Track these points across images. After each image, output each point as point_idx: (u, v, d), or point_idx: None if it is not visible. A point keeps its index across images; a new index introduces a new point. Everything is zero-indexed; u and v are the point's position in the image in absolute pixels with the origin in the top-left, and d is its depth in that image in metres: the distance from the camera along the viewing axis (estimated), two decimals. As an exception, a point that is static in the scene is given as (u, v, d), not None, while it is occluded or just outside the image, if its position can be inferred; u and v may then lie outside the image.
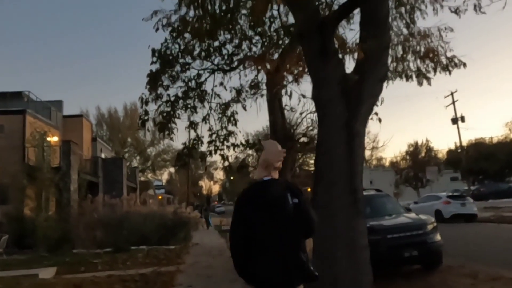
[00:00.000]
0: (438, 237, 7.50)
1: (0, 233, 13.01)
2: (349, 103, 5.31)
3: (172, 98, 10.97)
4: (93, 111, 51.38)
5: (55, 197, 17.54)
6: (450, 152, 43.49)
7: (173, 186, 66.45)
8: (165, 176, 69.78)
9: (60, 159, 17.58)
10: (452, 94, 37.70)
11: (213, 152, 11.26)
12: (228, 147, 10.71)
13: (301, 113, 8.93)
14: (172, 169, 63.18)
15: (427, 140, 40.61)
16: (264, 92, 9.93)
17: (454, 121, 38.33)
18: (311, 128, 9.04)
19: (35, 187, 15.76)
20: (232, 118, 11.29)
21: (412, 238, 7.14)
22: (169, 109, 11.04)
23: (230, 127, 11.28)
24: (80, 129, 24.10)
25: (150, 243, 14.54)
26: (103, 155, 26.85)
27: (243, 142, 9.07)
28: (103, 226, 14.22)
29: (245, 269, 2.52)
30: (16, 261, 11.55)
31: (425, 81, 7.71)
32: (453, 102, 37.84)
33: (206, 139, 11.38)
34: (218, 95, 11.44)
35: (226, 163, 10.64)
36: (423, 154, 39.54)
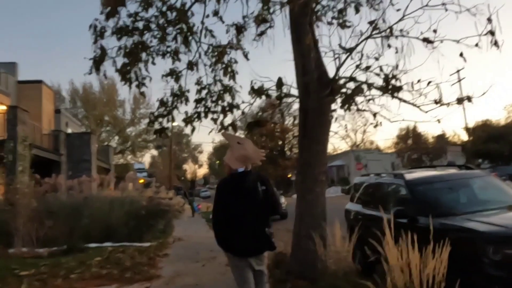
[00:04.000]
0: None
1: None
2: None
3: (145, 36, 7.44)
4: (66, 86, 46.88)
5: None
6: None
7: (156, 169, 62.54)
8: (147, 159, 66.00)
9: (4, 129, 13.72)
10: (458, 71, 34.91)
11: (202, 115, 7.74)
12: (224, 108, 7.21)
13: (348, 51, 5.39)
14: (154, 152, 59.37)
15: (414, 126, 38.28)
16: (277, 25, 6.34)
17: (460, 101, 35.58)
18: (360, 69, 5.57)
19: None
20: (229, 69, 7.75)
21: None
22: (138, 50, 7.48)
23: (227, 81, 7.78)
24: (38, 98, 20.02)
25: (117, 238, 10.98)
26: (69, 130, 22.90)
27: (254, 88, 5.51)
28: (53, 216, 10.57)
29: (225, 241, 3.27)
30: None
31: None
32: (459, 81, 35.12)
33: (192, 97, 7.82)
34: (211, 32, 7.89)
35: (219, 127, 7.18)
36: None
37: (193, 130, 6.79)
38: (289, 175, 48.96)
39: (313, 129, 5.32)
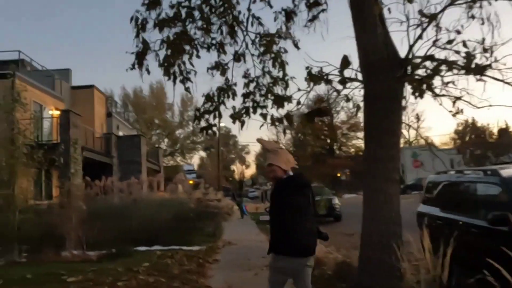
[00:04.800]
0: None
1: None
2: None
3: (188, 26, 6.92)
4: (118, 92, 48.58)
5: (54, 182, 14.09)
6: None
7: (204, 170, 63.28)
8: (196, 161, 67.05)
9: (57, 133, 13.98)
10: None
11: (250, 110, 7.08)
12: (276, 100, 6.49)
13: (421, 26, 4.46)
14: (203, 153, 60.09)
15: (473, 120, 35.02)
16: (330, 7, 5.54)
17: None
18: (438, 46, 4.62)
19: (28, 168, 12.19)
20: (278, 60, 7.03)
21: None
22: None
23: (276, 72, 7.06)
24: (90, 102, 20.52)
25: (166, 241, 10.67)
26: (120, 133, 23.35)
27: (312, 73, 4.72)
28: (102, 218, 10.44)
29: (284, 242, 3.19)
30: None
31: None
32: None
33: (240, 91, 7.21)
34: (258, 19, 7.24)
35: (268, 121, 6.50)
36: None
37: (242, 124, 6.12)
38: (339, 174, 47.36)
39: (383, 118, 4.46)
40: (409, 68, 4.69)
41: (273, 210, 3.34)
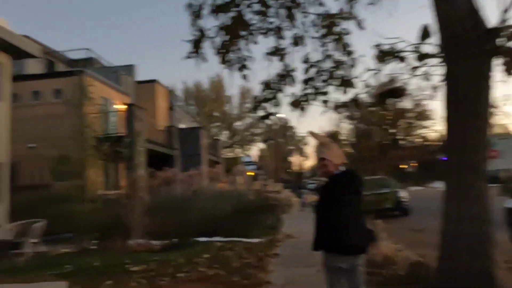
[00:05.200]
0: None
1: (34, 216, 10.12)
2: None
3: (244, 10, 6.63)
4: (180, 86, 50.19)
5: (121, 172, 14.73)
6: None
7: (263, 162, 63.55)
8: (255, 152, 67.52)
9: (123, 126, 14.56)
10: None
11: (311, 96, 6.65)
12: (341, 84, 5.99)
13: None
14: (261, 144, 60.29)
15: None
16: None
17: None
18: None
19: (95, 160, 12.82)
20: (341, 42, 6.50)
21: None
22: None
23: (337, 56, 6.53)
24: (153, 96, 21.22)
25: (226, 233, 10.63)
26: (182, 126, 23.95)
27: (382, 50, 4.17)
28: (165, 209, 10.64)
29: (333, 241, 3.11)
30: (43, 257, 8.45)
31: None
32: None
33: (299, 76, 6.77)
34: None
35: (330, 106, 6.05)
36: None
37: (303, 110, 5.71)
38: (404, 166, 44.97)
39: (469, 99, 3.82)
40: (500, 39, 3.97)
41: (321, 206, 3.28)
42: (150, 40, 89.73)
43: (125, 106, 16.49)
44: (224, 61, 6.71)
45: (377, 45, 4.22)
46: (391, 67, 4.34)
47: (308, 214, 17.07)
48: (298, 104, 6.63)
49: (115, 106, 16.94)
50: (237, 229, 10.73)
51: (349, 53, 6.09)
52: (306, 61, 6.86)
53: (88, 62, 19.99)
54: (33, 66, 18.04)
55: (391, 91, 4.08)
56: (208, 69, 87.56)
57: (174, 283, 6.01)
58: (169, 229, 10.54)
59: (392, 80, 4.11)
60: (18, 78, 15.82)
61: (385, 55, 4.13)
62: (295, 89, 7.34)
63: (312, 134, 3.52)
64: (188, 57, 6.46)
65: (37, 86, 15.62)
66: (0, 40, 10.82)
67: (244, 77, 7.10)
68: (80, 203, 10.13)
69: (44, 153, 13.89)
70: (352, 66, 5.24)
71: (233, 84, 48.95)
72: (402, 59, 4.07)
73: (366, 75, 4.85)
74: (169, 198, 11.33)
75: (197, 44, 6.35)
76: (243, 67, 6.86)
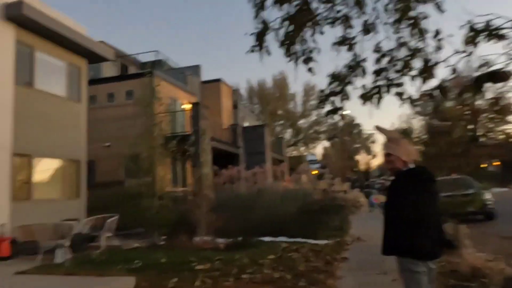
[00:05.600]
0: None
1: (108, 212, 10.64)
2: None
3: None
4: (244, 86, 50.79)
5: (188, 170, 15.08)
6: None
7: (328, 161, 62.19)
8: (320, 151, 66.34)
9: (189, 125, 14.88)
10: None
11: (383, 89, 6.05)
12: (423, 71, 5.35)
13: None
14: (326, 143, 59.00)
15: None
16: None
17: None
18: None
19: (164, 158, 13.24)
20: (417, 27, 5.83)
21: None
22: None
23: (414, 43, 5.87)
24: (218, 95, 21.57)
25: (291, 233, 10.34)
26: (246, 124, 24.08)
27: (471, 29, 3.56)
28: (229, 207, 10.60)
29: (414, 244, 2.85)
30: (115, 251, 8.80)
31: None
32: None
33: (370, 67, 6.22)
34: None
35: (405, 99, 5.40)
36: None
37: (378, 101, 5.19)
38: (484, 165, 41.18)
39: None
40: None
41: (389, 206, 3.04)
42: (214, 39, 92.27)
43: (191, 105, 16.88)
44: (289, 53, 6.39)
45: (469, 21, 3.61)
46: (485, 49, 3.70)
47: (378, 215, 16.08)
48: (369, 97, 6.10)
49: (182, 106, 17.41)
50: (303, 229, 10.38)
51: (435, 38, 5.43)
52: (377, 50, 6.29)
53: (157, 64, 20.84)
54: (108, 70, 19.22)
55: (490, 75, 3.44)
56: (272, 67, 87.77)
57: (239, 284, 5.84)
58: (233, 227, 10.50)
59: (486, 64, 3.49)
60: (95, 81, 16.96)
61: (478, 33, 3.53)
62: (365, 81, 6.80)
63: (379, 128, 3.33)
64: (252, 51, 6.25)
65: (111, 89, 16.57)
66: (80, 46, 11.55)
67: (310, 70, 6.70)
68: (150, 199, 10.44)
69: (118, 152, 14.69)
70: (437, 49, 4.60)
71: (297, 79, 48.21)
72: (501, 37, 3.44)
73: (453, 60, 4.20)
74: (233, 196, 11.29)
75: (260, 37, 6.10)
76: (308, 60, 6.47)
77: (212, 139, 16.04)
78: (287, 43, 6.19)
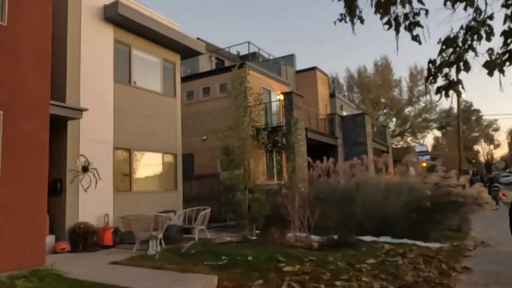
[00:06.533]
0: None
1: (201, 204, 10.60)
2: None
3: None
4: (342, 74, 48.61)
5: (283, 162, 14.52)
6: None
7: (440, 152, 56.23)
8: (430, 141, 60.53)
9: (282, 116, 14.29)
10: None
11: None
12: None
13: None
14: (437, 132, 53.38)
15: None
16: None
17: None
18: None
19: (257, 150, 12.88)
20: None
21: None
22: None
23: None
24: (313, 84, 20.57)
25: (396, 233, 9.05)
26: (344, 113, 22.63)
27: None
28: (324, 201, 9.71)
29: None
30: (206, 244, 8.60)
31: None
32: None
33: (498, 27, 4.83)
34: None
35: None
36: None
37: (503, 73, 3.88)
38: None
39: None
40: None
41: None
42: (309, 29, 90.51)
43: (284, 95, 16.26)
44: (387, 21, 5.28)
45: None
46: None
47: (505, 215, 13.56)
48: (496, 66, 4.70)
49: (277, 97, 16.91)
50: (410, 229, 9.01)
51: None
52: (507, 5, 4.84)
53: (252, 56, 20.68)
54: (205, 66, 19.68)
55: None
56: (373, 53, 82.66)
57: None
58: (329, 223, 9.61)
59: None
60: (192, 77, 17.44)
61: None
62: (492, 45, 5.29)
63: None
64: (341, 19, 5.30)
65: (206, 83, 16.84)
66: (174, 42, 11.76)
67: (416, 38, 5.43)
68: (242, 192, 10.10)
69: (213, 145, 14.81)
70: None
71: (398, 46, 44.49)
72: None
73: None
74: (330, 189, 10.36)
75: (350, 1, 5.15)
76: (413, 25, 5.28)
77: (307, 129, 15.22)
78: (386, 4, 5.09)
